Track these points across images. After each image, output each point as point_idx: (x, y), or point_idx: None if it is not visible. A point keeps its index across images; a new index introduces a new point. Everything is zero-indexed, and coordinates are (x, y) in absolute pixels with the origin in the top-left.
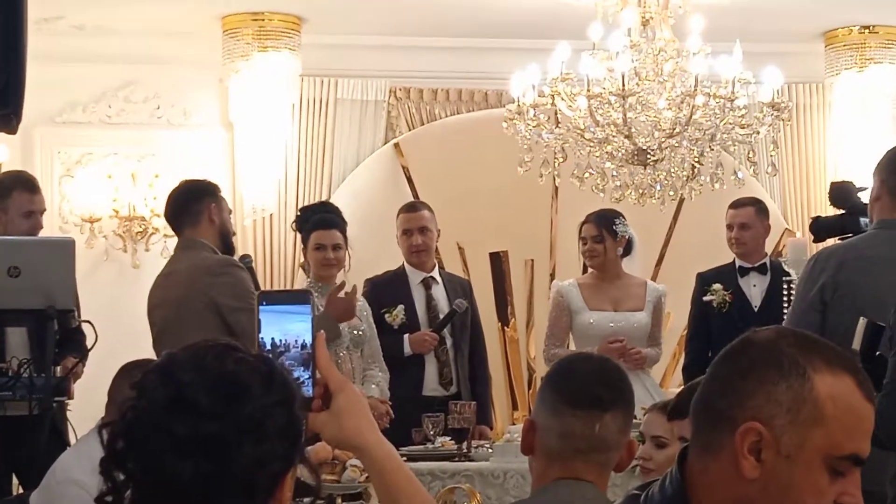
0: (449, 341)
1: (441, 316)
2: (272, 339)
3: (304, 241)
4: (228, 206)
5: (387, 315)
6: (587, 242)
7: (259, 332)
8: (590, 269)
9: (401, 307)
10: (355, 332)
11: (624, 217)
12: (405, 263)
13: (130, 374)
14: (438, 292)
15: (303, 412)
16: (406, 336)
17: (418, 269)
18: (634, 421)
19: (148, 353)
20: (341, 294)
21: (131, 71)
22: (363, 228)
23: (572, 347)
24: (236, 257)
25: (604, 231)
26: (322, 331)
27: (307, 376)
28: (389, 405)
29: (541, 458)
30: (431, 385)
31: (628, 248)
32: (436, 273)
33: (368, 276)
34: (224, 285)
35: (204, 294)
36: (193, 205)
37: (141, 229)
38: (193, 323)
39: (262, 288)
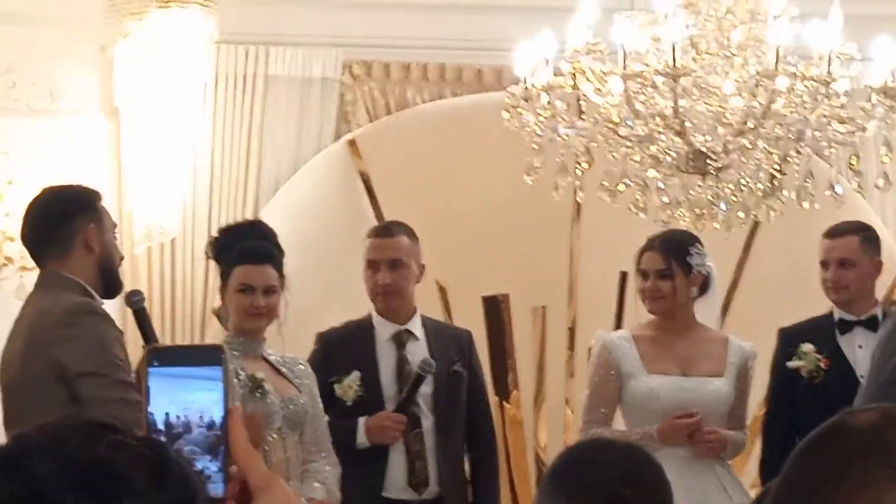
0: (427, 421)
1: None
2: (166, 414)
3: (223, 277)
4: (112, 219)
5: (336, 386)
6: (649, 277)
7: (148, 404)
8: (649, 316)
9: (355, 374)
10: (291, 406)
11: (701, 243)
12: (373, 311)
13: None
14: (417, 352)
15: None
16: (361, 420)
17: (389, 320)
18: None
19: None
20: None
21: None
22: (304, 261)
23: (620, 426)
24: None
25: (674, 263)
26: (238, 403)
27: (216, 469)
28: None
29: None
30: (397, 484)
31: (703, 287)
32: (414, 324)
33: (321, 329)
34: (72, 342)
35: (45, 355)
36: (63, 226)
37: None
38: (37, 394)
39: (158, 341)
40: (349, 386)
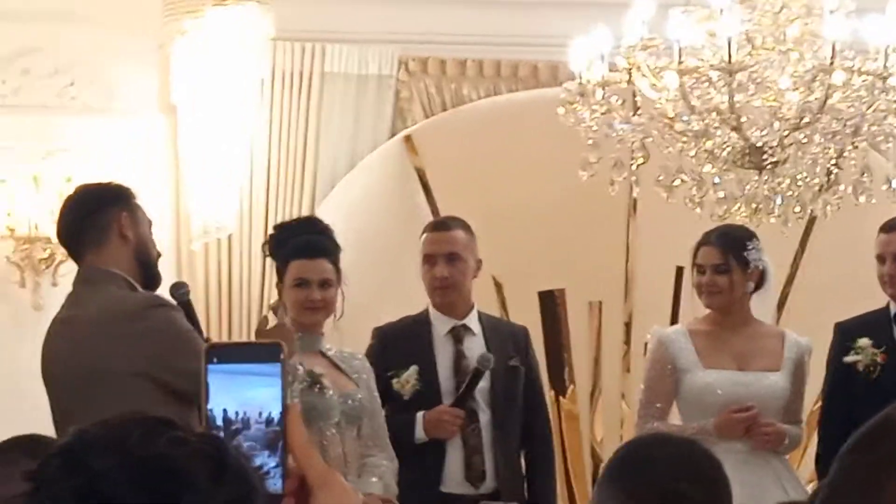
0: (484, 416)
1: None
2: (224, 411)
3: (280, 273)
4: (147, 216)
5: (394, 380)
6: (706, 272)
7: (206, 401)
8: (705, 310)
9: (413, 369)
10: (349, 401)
11: (757, 239)
12: (430, 307)
13: (21, 458)
14: (474, 347)
15: None
16: (419, 414)
17: (446, 315)
18: None
19: (49, 429)
20: (272, 325)
21: (33, 33)
22: (361, 257)
23: (676, 420)
24: (164, 289)
25: (731, 258)
26: (297, 401)
27: (274, 464)
28: None
29: None
30: (455, 478)
31: (760, 283)
32: (472, 319)
33: (376, 325)
34: (160, 334)
35: (131, 351)
36: (95, 216)
37: (46, 255)
38: (112, 393)
39: (210, 337)
40: (407, 380)
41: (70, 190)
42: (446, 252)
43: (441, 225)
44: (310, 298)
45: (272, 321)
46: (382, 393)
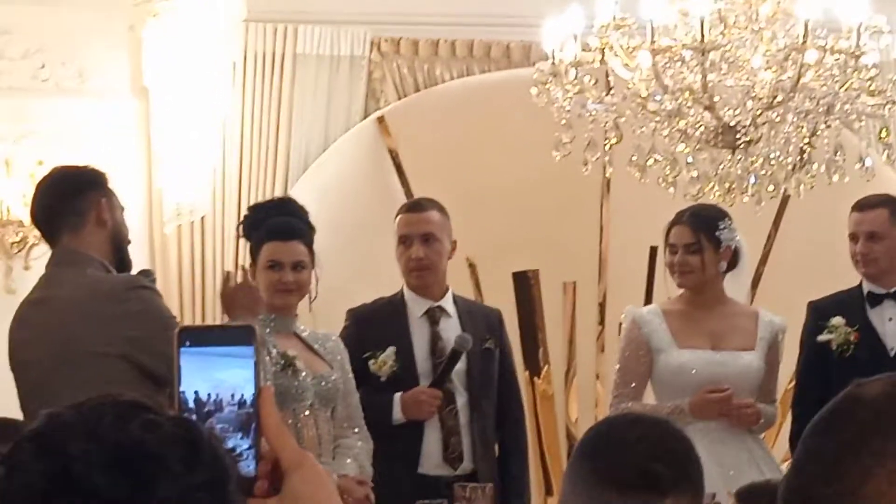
0: (461, 398)
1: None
2: (196, 393)
3: (253, 254)
4: (121, 203)
5: (371, 361)
6: (678, 252)
7: (179, 384)
8: (678, 290)
9: (390, 350)
10: (323, 383)
11: (730, 218)
12: (405, 288)
13: None
14: (449, 329)
15: (241, 498)
16: (397, 395)
17: (422, 296)
18: None
19: (16, 412)
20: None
21: (4, 15)
22: (334, 238)
23: (650, 400)
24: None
25: (702, 237)
26: (269, 383)
27: (247, 446)
28: (370, 487)
29: None
30: (433, 460)
31: (733, 262)
32: (447, 301)
33: (350, 306)
34: (141, 316)
35: (112, 332)
36: (74, 201)
37: (18, 238)
38: (87, 373)
39: (181, 320)
40: (384, 362)
41: (42, 173)
42: (422, 233)
43: (416, 206)
44: (283, 281)
45: (235, 279)
46: (359, 374)
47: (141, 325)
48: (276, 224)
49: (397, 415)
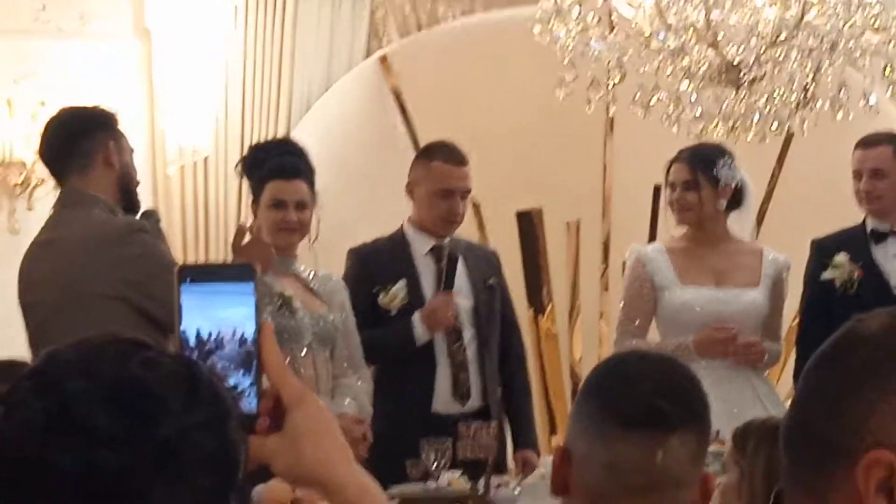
0: (468, 334)
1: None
2: (198, 331)
3: (255, 194)
4: (130, 145)
5: (381, 295)
6: (676, 189)
7: (179, 321)
8: (680, 228)
9: (401, 283)
10: (321, 323)
11: (731, 156)
12: (405, 226)
13: None
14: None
15: (243, 435)
16: (414, 315)
17: (426, 234)
18: (714, 448)
19: (23, 352)
20: (247, 240)
21: None
22: (336, 179)
23: (655, 338)
24: (138, 216)
25: (700, 175)
26: (270, 320)
27: (249, 384)
28: (368, 425)
29: (580, 501)
30: (443, 397)
31: (737, 200)
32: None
33: (352, 246)
34: (141, 259)
35: (111, 274)
36: (82, 142)
37: (20, 180)
38: (91, 315)
39: (185, 261)
40: (395, 295)
41: (44, 114)
42: (464, 189)
43: (460, 159)
44: (286, 219)
45: (247, 237)
46: (368, 311)
47: (140, 268)
48: (279, 163)
49: (419, 331)
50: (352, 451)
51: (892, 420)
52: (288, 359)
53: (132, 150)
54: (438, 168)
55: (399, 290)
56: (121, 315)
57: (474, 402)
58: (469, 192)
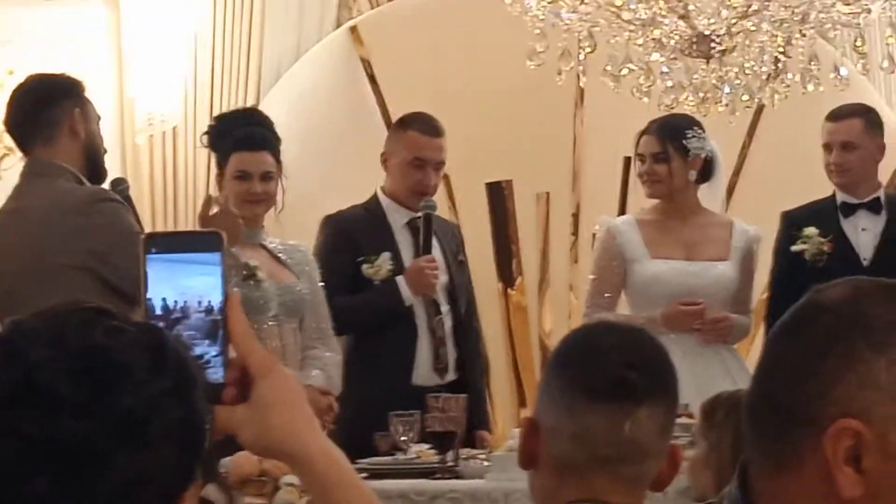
0: (444, 308)
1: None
2: (164, 300)
3: (221, 164)
4: (97, 111)
5: (365, 265)
6: (645, 161)
7: (145, 290)
8: (650, 201)
9: (386, 255)
10: (289, 293)
11: (701, 127)
12: (380, 196)
13: None
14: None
15: (208, 405)
16: (398, 278)
17: (402, 205)
18: (683, 421)
19: None
20: (215, 211)
21: None
22: (306, 149)
23: (623, 310)
24: (106, 184)
25: (669, 146)
26: (237, 290)
27: (215, 353)
28: (333, 397)
29: (547, 473)
30: (424, 370)
31: (707, 172)
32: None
33: (319, 217)
34: (104, 229)
35: (74, 244)
36: (47, 111)
37: None
38: (55, 285)
39: (153, 229)
40: (381, 266)
41: (12, 82)
42: (438, 160)
43: (435, 130)
44: (251, 191)
45: (214, 207)
46: (350, 278)
47: (104, 238)
48: (243, 134)
49: (406, 293)
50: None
51: (857, 388)
52: (254, 330)
53: (99, 118)
54: (413, 138)
55: (384, 261)
56: (85, 285)
57: (450, 375)
58: (442, 164)
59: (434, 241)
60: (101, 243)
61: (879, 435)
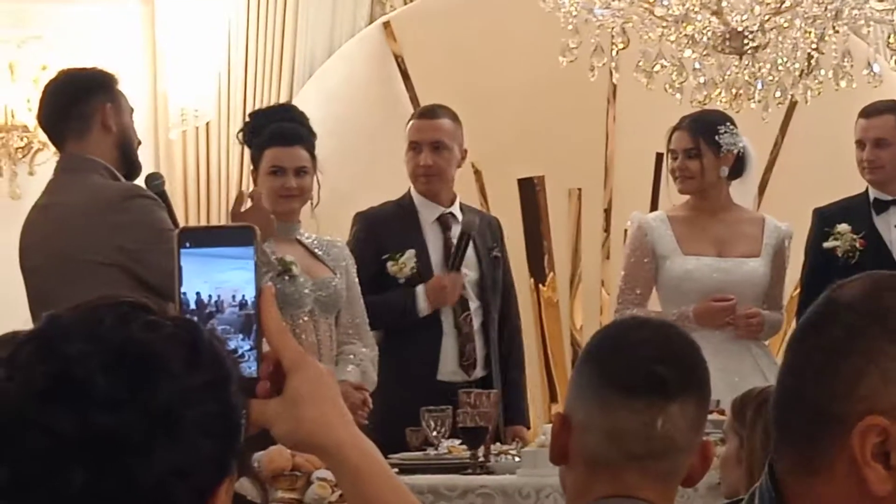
0: (473, 305)
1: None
2: (198, 294)
3: (255, 160)
4: (130, 104)
5: (390, 263)
6: (677, 157)
7: (180, 285)
8: (682, 198)
9: (410, 252)
10: (324, 288)
11: (733, 123)
12: (412, 192)
13: None
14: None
15: (243, 399)
16: (419, 287)
17: (431, 201)
18: (714, 417)
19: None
20: (247, 206)
21: None
22: (339, 144)
23: (656, 307)
24: (141, 179)
25: (701, 142)
26: (270, 284)
27: (249, 347)
28: (367, 393)
29: (579, 469)
30: (449, 367)
31: (739, 168)
32: (456, 208)
33: (353, 212)
34: (136, 226)
35: (105, 241)
36: (78, 105)
37: (23, 143)
38: (88, 282)
39: (178, 224)
40: (405, 263)
41: (46, 77)
42: (432, 140)
43: (428, 113)
44: (285, 186)
45: (247, 202)
46: (375, 276)
47: (135, 235)
48: (278, 129)
49: (422, 304)
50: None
51: (881, 384)
52: (289, 325)
53: (132, 110)
54: (410, 125)
55: (409, 259)
56: (115, 281)
57: (478, 372)
58: (438, 143)
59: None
60: (131, 240)
61: None
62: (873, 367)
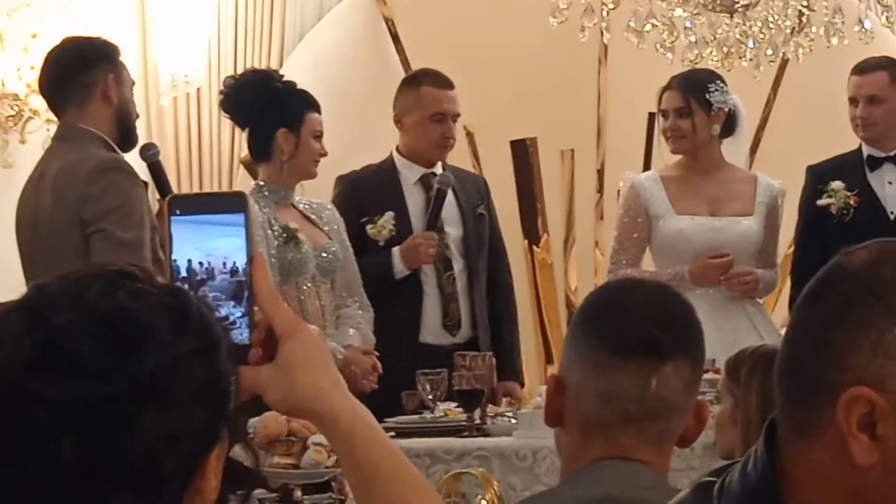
0: (458, 265)
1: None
2: (189, 262)
3: (290, 122)
4: (131, 77)
5: (369, 226)
6: (668, 117)
7: (170, 252)
8: (674, 157)
9: (389, 214)
10: (323, 254)
11: (723, 81)
12: (395, 154)
13: None
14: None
15: (233, 366)
16: (395, 249)
17: (414, 162)
18: (709, 377)
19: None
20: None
21: None
22: (331, 108)
23: (650, 267)
24: (136, 150)
25: (692, 101)
26: (261, 250)
27: (240, 314)
28: (376, 356)
29: (574, 431)
30: (432, 328)
31: (730, 127)
32: (438, 167)
33: (340, 174)
34: (95, 199)
35: (72, 211)
36: (81, 75)
37: (13, 112)
38: (66, 253)
39: (178, 191)
40: (383, 226)
41: (36, 46)
42: (454, 112)
43: (447, 83)
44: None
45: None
46: (356, 240)
47: (92, 207)
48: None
49: (398, 266)
50: (361, 382)
51: (871, 356)
52: (294, 292)
53: (133, 83)
54: (429, 93)
55: (387, 221)
56: (81, 256)
57: (464, 333)
58: (458, 115)
59: (450, 195)
60: (89, 213)
61: (894, 403)
62: (865, 339)
